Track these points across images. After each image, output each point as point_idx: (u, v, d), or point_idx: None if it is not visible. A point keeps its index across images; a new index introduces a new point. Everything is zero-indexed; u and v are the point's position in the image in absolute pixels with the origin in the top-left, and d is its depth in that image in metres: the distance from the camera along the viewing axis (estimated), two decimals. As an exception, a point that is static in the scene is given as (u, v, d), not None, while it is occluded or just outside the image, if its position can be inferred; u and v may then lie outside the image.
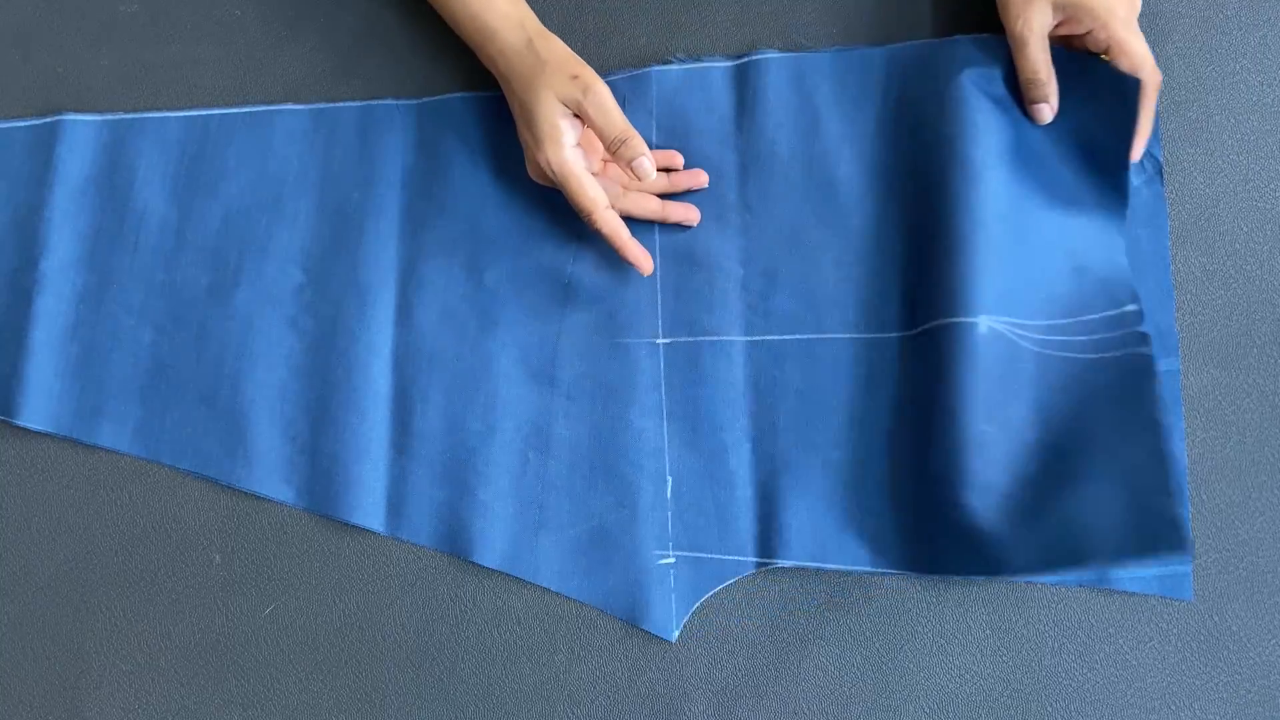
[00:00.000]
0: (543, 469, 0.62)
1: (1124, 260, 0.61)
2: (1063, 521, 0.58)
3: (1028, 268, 0.61)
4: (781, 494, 0.60)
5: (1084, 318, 0.60)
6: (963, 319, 0.59)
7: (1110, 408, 0.59)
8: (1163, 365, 0.61)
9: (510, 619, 0.61)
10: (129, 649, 0.61)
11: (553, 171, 0.59)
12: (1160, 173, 0.64)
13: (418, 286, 0.64)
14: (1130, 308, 0.60)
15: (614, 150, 0.59)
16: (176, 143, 0.67)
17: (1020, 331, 0.60)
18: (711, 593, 0.60)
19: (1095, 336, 0.60)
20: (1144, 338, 0.59)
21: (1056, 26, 0.61)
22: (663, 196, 0.64)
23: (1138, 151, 0.61)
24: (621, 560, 0.61)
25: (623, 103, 0.65)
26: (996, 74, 0.64)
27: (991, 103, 0.63)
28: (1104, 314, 0.60)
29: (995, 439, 0.58)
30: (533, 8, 0.62)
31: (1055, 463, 0.59)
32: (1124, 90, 0.60)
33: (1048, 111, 0.62)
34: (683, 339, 0.63)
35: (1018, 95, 0.63)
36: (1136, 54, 0.60)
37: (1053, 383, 0.59)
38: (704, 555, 0.61)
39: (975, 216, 0.61)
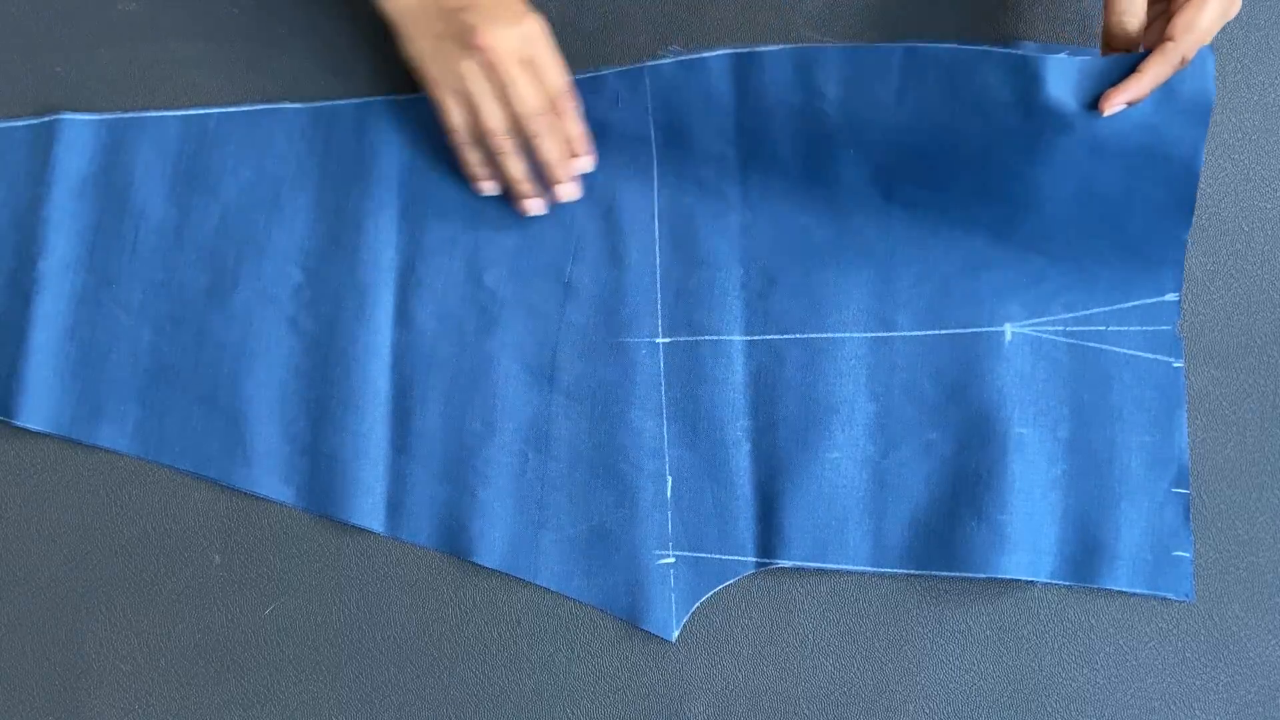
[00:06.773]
0: (542, 468, 0.62)
1: (1183, 238, 0.60)
2: (1082, 537, 0.60)
3: (1062, 262, 0.61)
4: (781, 494, 0.60)
5: (1120, 306, 0.61)
6: (987, 329, 0.61)
7: (1138, 426, 0.60)
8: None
9: (510, 619, 0.61)
10: (129, 649, 0.61)
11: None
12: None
13: (417, 286, 0.64)
14: (1170, 297, 0.61)
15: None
16: (175, 142, 0.66)
17: (1050, 330, 0.60)
18: (711, 593, 0.60)
19: (1130, 329, 0.61)
20: (1177, 344, 0.61)
21: None
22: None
23: (1115, 103, 0.55)
24: (621, 560, 0.61)
25: (616, 100, 0.64)
26: (1036, 90, 0.57)
27: (1029, 113, 0.58)
28: (1141, 301, 0.61)
29: (1032, 440, 0.60)
30: (533, 7, 0.62)
31: (1082, 472, 0.60)
32: (1196, 87, 0.56)
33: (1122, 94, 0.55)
34: (683, 338, 0.63)
35: (1061, 111, 0.57)
36: (1186, 18, 0.53)
37: (1085, 376, 0.61)
38: (704, 555, 0.61)
39: (999, 224, 0.62)
